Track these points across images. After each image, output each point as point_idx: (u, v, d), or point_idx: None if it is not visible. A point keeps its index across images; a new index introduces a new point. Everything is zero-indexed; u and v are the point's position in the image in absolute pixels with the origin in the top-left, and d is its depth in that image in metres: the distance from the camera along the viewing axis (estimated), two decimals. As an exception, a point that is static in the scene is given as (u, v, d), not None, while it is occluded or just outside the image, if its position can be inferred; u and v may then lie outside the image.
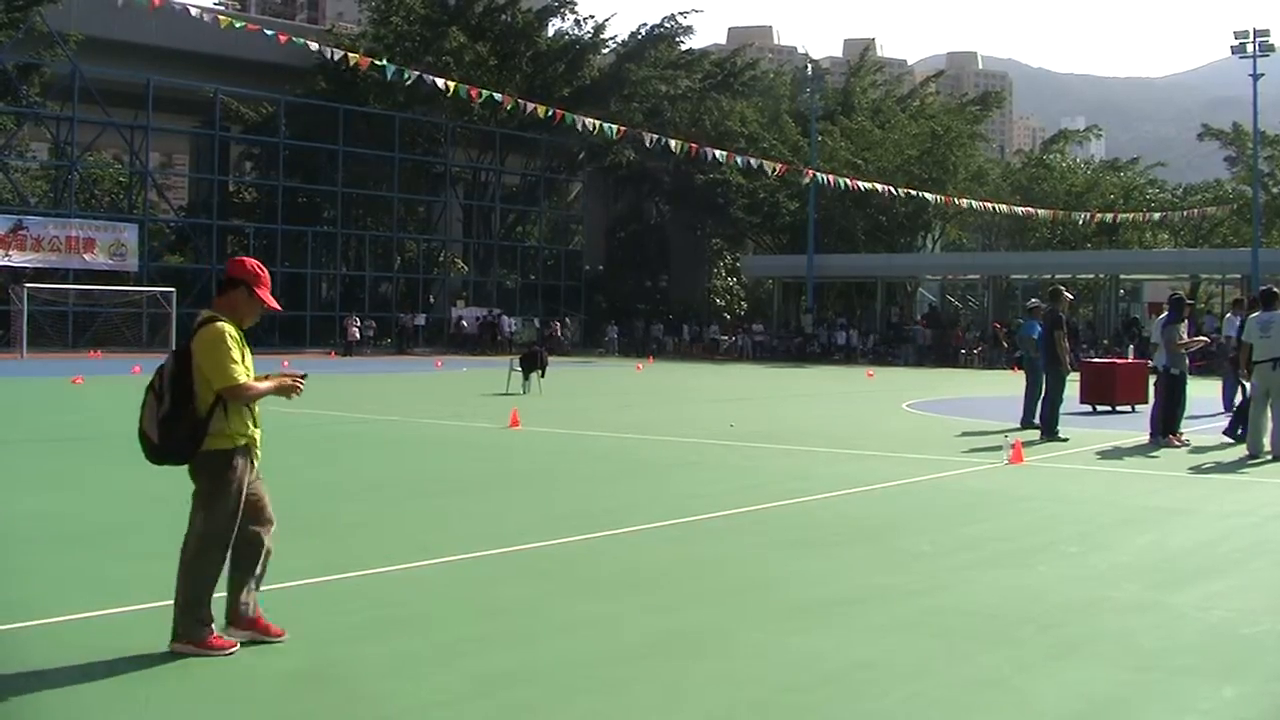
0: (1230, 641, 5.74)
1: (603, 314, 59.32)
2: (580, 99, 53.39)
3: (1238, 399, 16.33)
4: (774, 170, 44.95)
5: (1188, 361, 15.26)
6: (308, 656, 5.24)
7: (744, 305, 68.98)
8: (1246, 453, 13.49)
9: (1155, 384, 15.72)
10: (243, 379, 5.20)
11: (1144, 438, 15.09)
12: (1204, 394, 20.19)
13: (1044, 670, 5.21)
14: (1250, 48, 42.67)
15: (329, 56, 36.93)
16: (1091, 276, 53.21)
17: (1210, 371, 28.67)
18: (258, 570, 5.42)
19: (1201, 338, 17.88)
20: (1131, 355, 32.59)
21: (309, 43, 37.85)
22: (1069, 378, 16.14)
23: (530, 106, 37.15)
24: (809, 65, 67.15)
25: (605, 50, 60.17)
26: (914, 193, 49.17)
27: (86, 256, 43.41)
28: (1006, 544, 8.24)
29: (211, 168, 51.32)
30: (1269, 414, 13.48)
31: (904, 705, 4.72)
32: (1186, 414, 15.58)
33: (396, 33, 54.06)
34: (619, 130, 40.84)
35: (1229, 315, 22.09)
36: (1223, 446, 14.53)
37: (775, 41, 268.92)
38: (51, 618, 5.78)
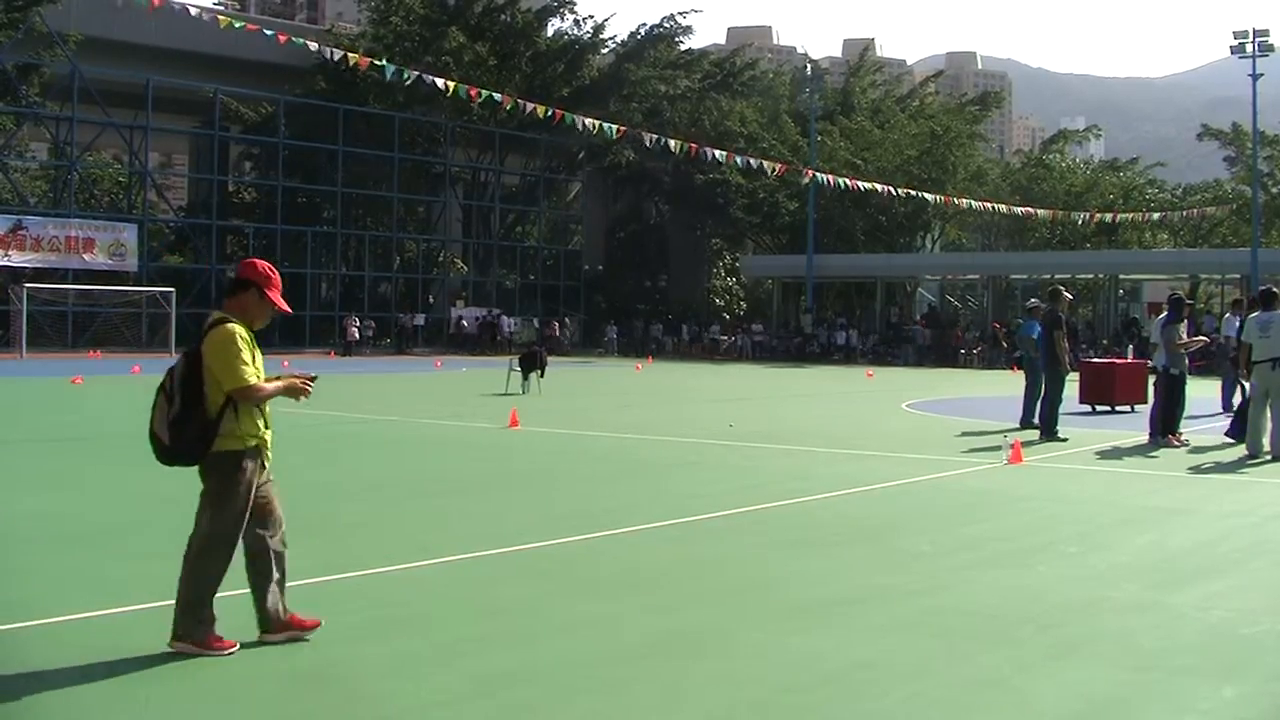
0: (1230, 641, 5.74)
1: (602, 314, 59.32)
2: (580, 99, 53.38)
3: (1236, 399, 16.35)
4: (773, 170, 44.97)
5: (1187, 361, 15.26)
6: (308, 656, 5.24)
7: (743, 305, 68.97)
8: (1246, 453, 13.49)
9: (1155, 384, 15.72)
10: (253, 380, 5.20)
11: (1143, 438, 15.09)
12: (1204, 394, 20.20)
13: (1044, 670, 5.22)
14: (1250, 48, 42.66)
15: (328, 56, 36.96)
16: (1091, 276, 53.21)
17: (1210, 371, 28.68)
18: (276, 575, 5.41)
19: (1201, 337, 17.88)
20: (1131, 355, 32.63)
21: (308, 43, 37.87)
22: (1068, 378, 16.15)
23: (530, 106, 37.16)
24: (808, 65, 67.22)
25: (605, 50, 60.18)
26: (913, 193, 49.19)
27: (86, 256, 43.41)
28: (1006, 544, 8.24)
29: (211, 168, 51.33)
30: (1269, 414, 13.49)
31: (904, 705, 4.72)
32: (1186, 414, 15.58)
33: (396, 33, 54.06)
34: (619, 130, 40.86)
35: (1228, 315, 22.11)
36: (1222, 446, 14.52)
37: (774, 41, 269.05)
38: (51, 618, 5.78)
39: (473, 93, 37.38)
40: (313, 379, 5.52)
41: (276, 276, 5.49)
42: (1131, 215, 55.07)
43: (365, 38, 55.44)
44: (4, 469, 11.46)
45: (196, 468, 5.28)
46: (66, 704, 4.60)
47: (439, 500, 10.14)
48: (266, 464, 5.41)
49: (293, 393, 5.44)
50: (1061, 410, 15.80)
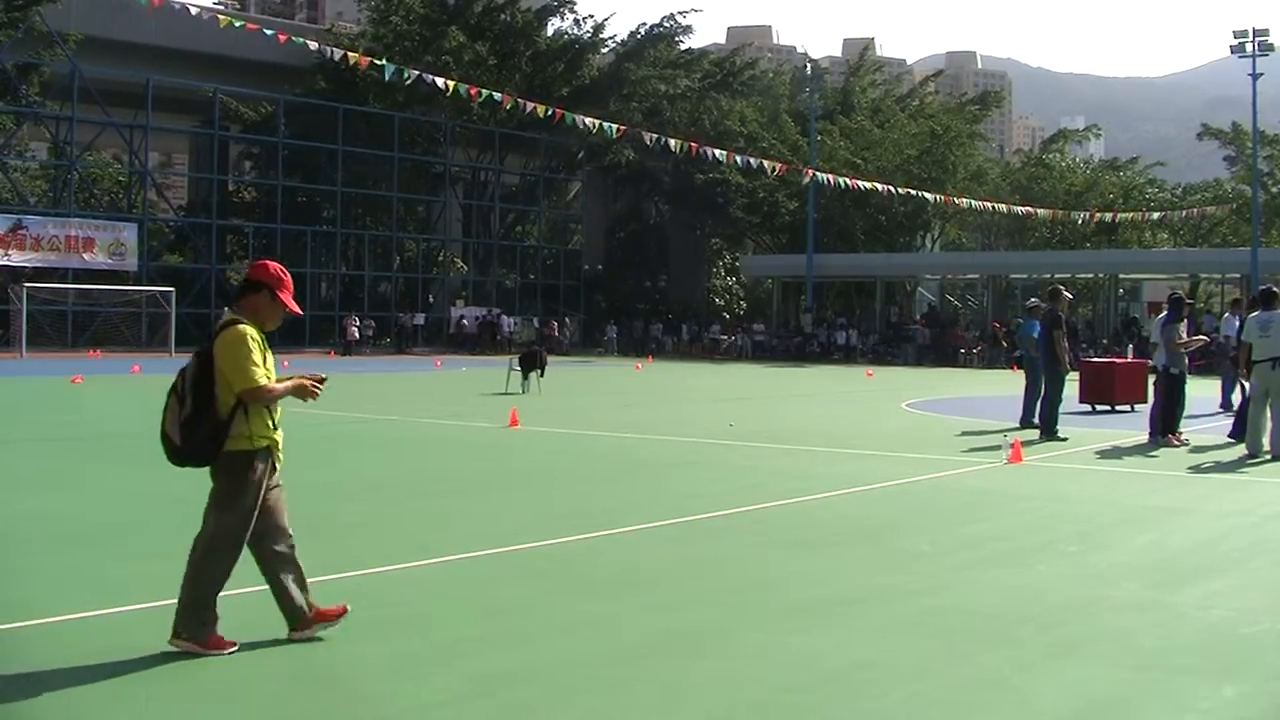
0: (1230, 641, 5.74)
1: (602, 314, 59.32)
2: (580, 98, 53.36)
3: (1235, 398, 16.33)
4: (773, 170, 44.95)
5: (1187, 361, 15.26)
6: (308, 656, 5.24)
7: (743, 305, 68.98)
8: (1246, 452, 13.49)
9: (1154, 383, 15.72)
10: (262, 381, 5.21)
11: (1143, 437, 15.09)
12: (1204, 393, 20.20)
13: (1044, 670, 5.22)
14: (1250, 47, 42.65)
15: (328, 56, 36.97)
16: (1091, 276, 53.23)
17: (1210, 371, 28.68)
18: (294, 575, 5.42)
19: (1201, 337, 17.88)
20: (1131, 355, 32.63)
21: (308, 42, 37.89)
22: (1068, 377, 16.14)
23: (529, 106, 37.14)
24: (808, 65, 67.26)
25: (604, 50, 60.18)
26: (913, 192, 49.19)
27: (86, 256, 43.40)
28: (1006, 544, 8.24)
29: (211, 167, 51.32)
30: (1269, 413, 13.49)
31: (904, 705, 4.72)
32: (1186, 413, 15.58)
33: (396, 32, 54.06)
34: (618, 129, 40.84)
35: (1227, 315, 22.10)
36: (1222, 446, 14.53)
37: (774, 41, 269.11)
38: (51, 618, 5.78)
39: (473, 92, 37.38)
40: (323, 380, 5.53)
41: (288, 278, 5.50)
42: (1131, 215, 55.06)
43: (365, 37, 55.44)
44: (4, 469, 11.46)
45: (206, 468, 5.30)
46: (66, 704, 4.60)
47: (439, 500, 10.14)
48: (278, 465, 5.43)
49: (302, 394, 5.44)
50: (1061, 410, 15.80)
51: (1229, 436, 14.99)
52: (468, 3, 56.89)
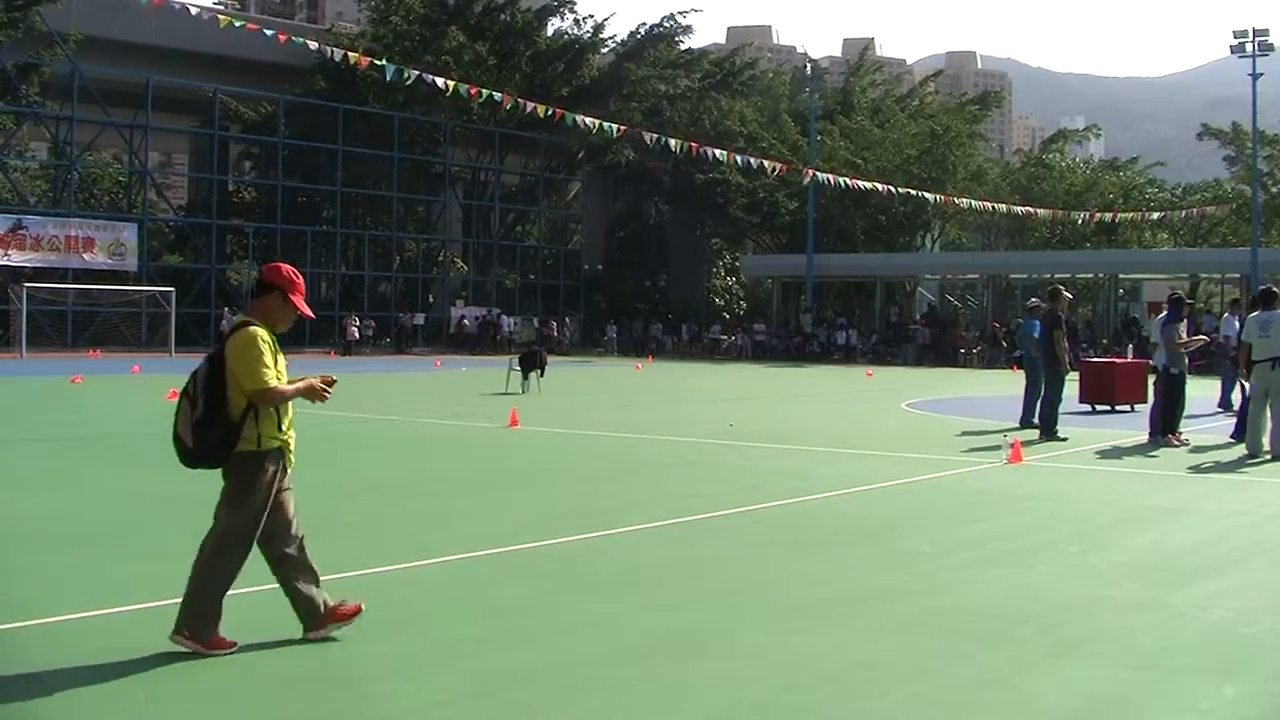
0: (1230, 640, 5.74)
1: (602, 314, 59.32)
2: (580, 98, 53.36)
3: (1235, 397, 16.32)
4: (773, 170, 44.95)
5: (1187, 361, 15.26)
6: (308, 656, 5.24)
7: (743, 305, 68.98)
8: (1246, 452, 13.49)
9: (1154, 383, 15.72)
10: (272, 382, 5.22)
11: (1143, 437, 15.09)
12: (1204, 393, 20.20)
13: (1044, 670, 5.22)
14: (1250, 47, 42.66)
15: (328, 56, 36.97)
16: (1091, 276, 53.23)
17: (1210, 371, 28.68)
18: (305, 576, 5.42)
19: (1201, 337, 17.88)
20: (1131, 355, 32.63)
21: (308, 42, 37.88)
22: (1068, 377, 16.15)
23: (529, 106, 37.13)
24: (808, 65, 67.29)
25: (604, 50, 60.18)
26: (913, 192, 49.19)
27: (86, 256, 43.41)
28: (1006, 543, 8.24)
29: (211, 167, 51.31)
30: (1269, 413, 13.49)
31: (904, 705, 4.72)
32: (1186, 413, 15.58)
33: (396, 32, 54.07)
34: (618, 129, 40.83)
35: (1226, 315, 22.10)
36: (1222, 446, 14.53)
37: (774, 41, 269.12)
38: (51, 618, 5.78)
39: (473, 92, 37.38)
40: (333, 382, 5.54)
41: (300, 281, 5.52)
42: (1131, 215, 55.06)
43: (365, 37, 55.43)
44: (4, 469, 11.46)
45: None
46: (66, 704, 4.60)
47: (439, 500, 10.14)
48: (289, 467, 5.45)
49: (312, 395, 5.45)
50: (1061, 410, 15.80)
51: (1231, 437, 14.98)
52: (468, 3, 56.89)
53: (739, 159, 45.72)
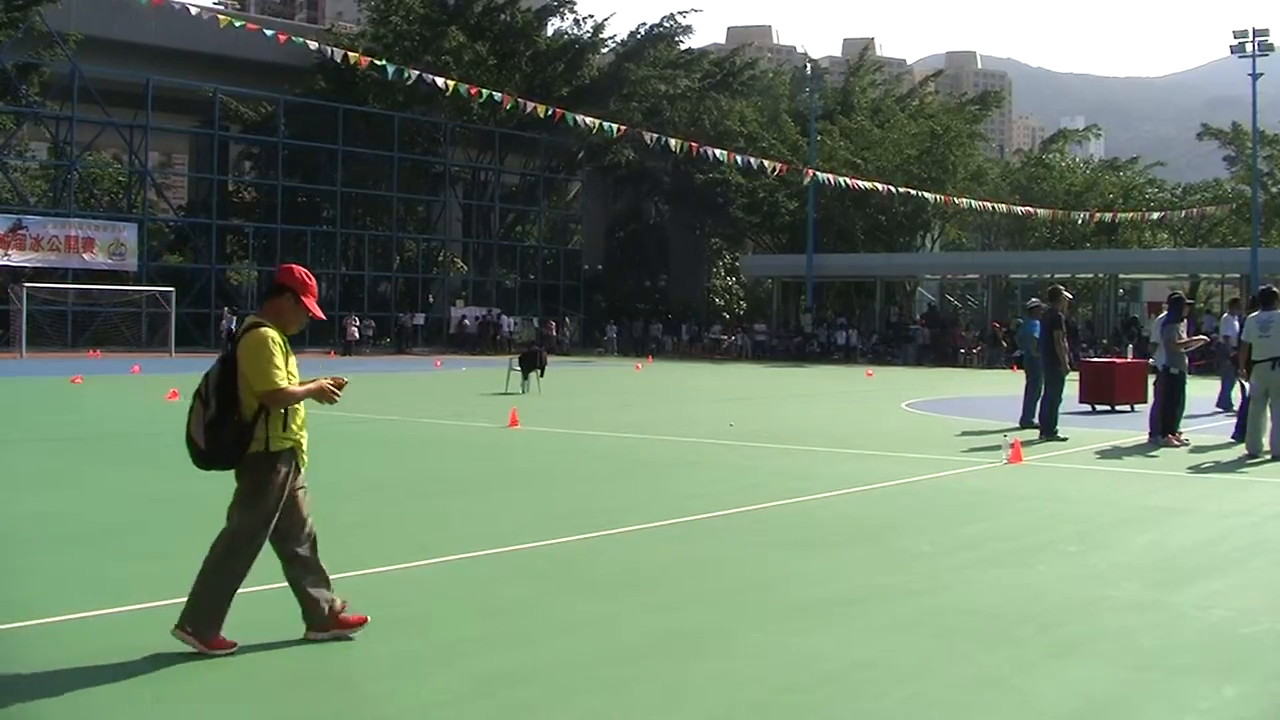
0: (1230, 640, 5.74)
1: (602, 314, 59.32)
2: (580, 98, 53.36)
3: (1235, 397, 16.31)
4: (773, 170, 44.95)
5: (1187, 361, 15.26)
6: (308, 656, 5.25)
7: (743, 305, 68.99)
8: (1246, 452, 13.49)
9: (1154, 383, 15.73)
10: (282, 383, 5.22)
11: (1143, 437, 15.09)
12: (1204, 393, 20.19)
13: (1044, 670, 5.22)
14: (1250, 47, 42.67)
15: (328, 56, 36.96)
16: (1091, 276, 53.24)
17: (1210, 371, 28.68)
18: (315, 577, 5.43)
19: (1201, 337, 17.87)
20: (1131, 355, 32.61)
21: (308, 42, 37.86)
22: (1068, 377, 16.15)
23: (530, 106, 37.13)
24: (808, 65, 67.31)
25: (604, 50, 60.18)
26: (913, 192, 49.18)
27: (86, 256, 43.41)
28: (1006, 543, 8.24)
29: (211, 167, 51.32)
30: (1268, 413, 13.49)
31: (904, 705, 4.72)
32: (1186, 413, 15.58)
33: (396, 32, 54.07)
34: (618, 129, 40.83)
35: (1226, 315, 22.10)
36: (1222, 446, 14.52)
37: (774, 41, 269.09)
38: (51, 618, 5.78)
39: (473, 92, 37.38)
40: (343, 384, 5.54)
41: (313, 283, 5.53)
42: (1131, 215, 55.07)
43: (365, 37, 55.43)
44: (4, 469, 11.46)
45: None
46: (66, 704, 4.60)
47: (439, 500, 10.14)
48: (303, 466, 5.45)
49: (322, 397, 5.46)
50: (1061, 410, 15.80)
51: (1231, 438, 14.98)
52: (468, 3, 56.89)
53: (739, 159, 45.72)
